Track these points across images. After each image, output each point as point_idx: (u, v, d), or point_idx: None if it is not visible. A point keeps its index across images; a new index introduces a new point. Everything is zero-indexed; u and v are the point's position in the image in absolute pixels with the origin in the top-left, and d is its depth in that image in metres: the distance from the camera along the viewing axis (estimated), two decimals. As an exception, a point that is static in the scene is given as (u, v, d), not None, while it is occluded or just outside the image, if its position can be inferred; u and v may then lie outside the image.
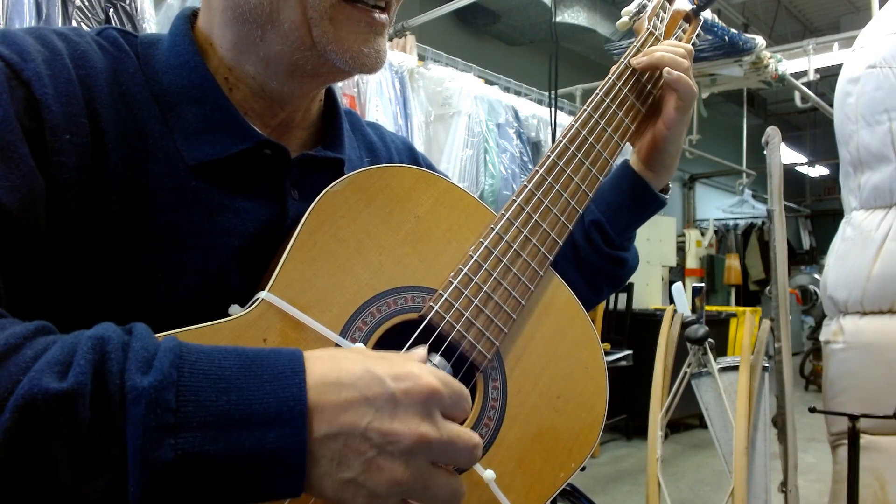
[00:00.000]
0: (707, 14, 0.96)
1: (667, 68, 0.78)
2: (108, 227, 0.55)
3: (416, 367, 0.46)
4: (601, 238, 0.86)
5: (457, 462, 0.47)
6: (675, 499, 2.68)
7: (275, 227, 0.62)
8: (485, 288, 0.63)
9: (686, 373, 2.16)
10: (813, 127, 10.70)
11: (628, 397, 4.51)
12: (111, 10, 2.23)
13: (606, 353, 4.26)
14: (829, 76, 4.15)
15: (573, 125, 0.74)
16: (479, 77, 3.77)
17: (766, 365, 2.08)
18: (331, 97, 0.74)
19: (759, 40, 3.32)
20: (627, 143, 0.82)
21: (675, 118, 0.81)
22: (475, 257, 0.63)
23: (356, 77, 2.91)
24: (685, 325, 2.24)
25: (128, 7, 2.26)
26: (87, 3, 2.18)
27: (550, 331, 0.66)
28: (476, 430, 0.60)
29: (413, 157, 0.85)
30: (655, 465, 2.07)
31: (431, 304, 0.60)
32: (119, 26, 1.85)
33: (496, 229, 0.65)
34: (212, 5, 0.63)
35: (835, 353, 1.98)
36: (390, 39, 3.54)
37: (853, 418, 1.75)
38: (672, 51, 0.80)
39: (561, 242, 0.69)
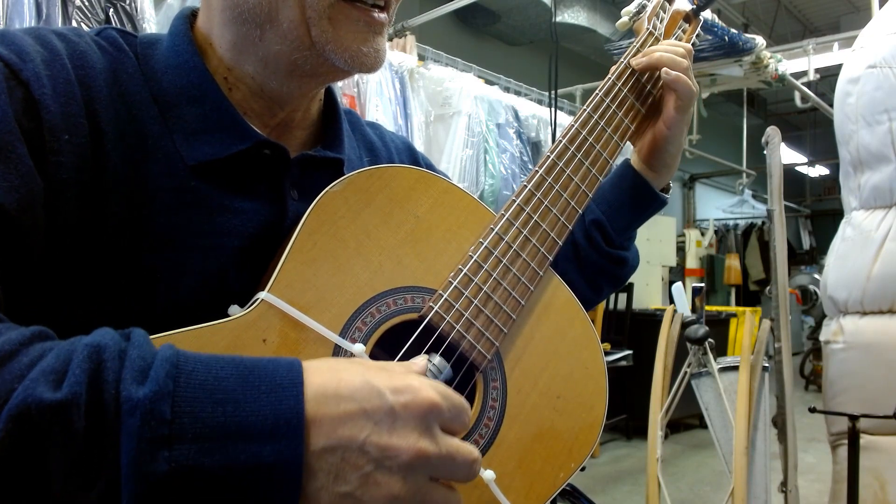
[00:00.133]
0: (707, 14, 0.96)
1: (665, 69, 0.78)
2: (107, 228, 0.54)
3: (416, 380, 0.45)
4: (602, 237, 0.86)
5: (455, 477, 0.46)
6: (675, 499, 2.68)
7: (274, 228, 0.62)
8: (484, 288, 0.63)
9: (686, 373, 2.16)
10: (813, 127, 10.70)
11: (628, 397, 4.51)
12: (111, 10, 2.23)
13: (606, 353, 4.26)
14: (829, 76, 4.15)
15: (573, 125, 0.74)
16: (479, 77, 3.77)
17: (766, 365, 2.08)
18: (330, 97, 0.73)
19: (759, 40, 3.32)
20: (628, 143, 0.82)
21: (674, 118, 0.81)
22: (475, 257, 0.63)
23: (356, 77, 2.92)
24: (685, 325, 2.24)
25: (128, 7, 2.26)
26: (87, 3, 2.18)
27: (550, 331, 0.66)
28: (476, 430, 0.60)
29: (413, 157, 0.85)
30: (655, 465, 2.07)
31: (431, 304, 0.60)
32: (119, 26, 1.85)
33: (496, 230, 0.65)
34: (211, 5, 0.63)
35: (835, 353, 1.98)
36: (390, 39, 3.54)
37: (853, 418, 1.75)
38: (671, 51, 0.80)
39: (561, 242, 0.69)
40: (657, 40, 0.85)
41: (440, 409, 0.45)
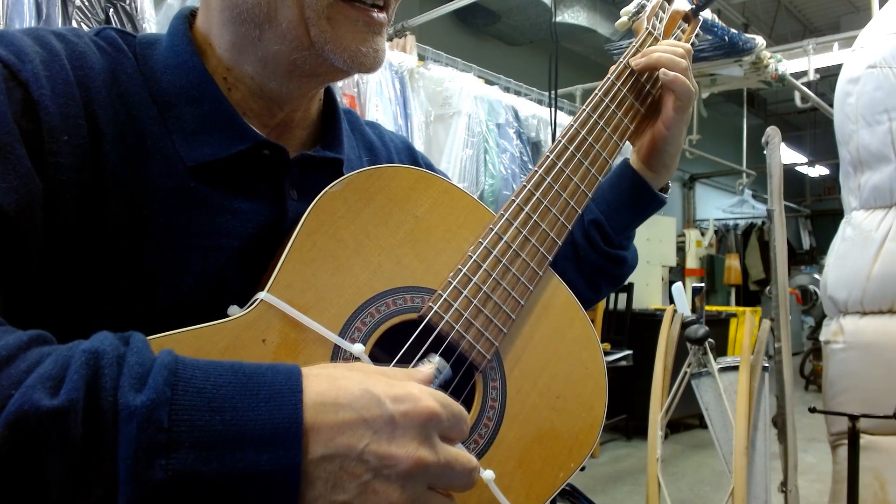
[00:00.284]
0: (707, 14, 0.96)
1: (663, 69, 0.78)
2: (107, 228, 0.54)
3: (416, 389, 0.45)
4: (601, 237, 0.86)
5: (453, 486, 0.46)
6: (675, 499, 2.68)
7: (274, 228, 0.62)
8: (484, 288, 0.63)
9: (686, 373, 2.16)
10: (813, 127, 10.70)
11: (628, 397, 4.51)
12: (111, 10, 2.23)
13: (606, 353, 4.26)
14: (829, 76, 4.15)
15: (572, 125, 0.74)
16: (479, 77, 3.77)
17: (766, 365, 2.08)
18: (330, 97, 0.73)
19: (759, 40, 3.32)
20: (627, 143, 0.82)
21: (673, 118, 0.81)
22: (474, 257, 0.63)
23: (356, 77, 2.92)
24: (685, 325, 2.24)
25: (128, 7, 2.26)
26: (87, 3, 2.18)
27: (550, 331, 0.66)
28: (475, 430, 0.60)
29: (412, 157, 0.85)
30: (655, 465, 2.07)
31: (430, 304, 0.60)
32: (119, 26, 1.85)
33: (495, 229, 0.65)
34: (210, 5, 0.63)
35: (835, 353, 1.98)
36: (390, 39, 3.54)
37: (853, 418, 1.75)
38: (670, 51, 0.80)
39: (560, 242, 0.69)
40: (656, 40, 0.85)
41: (439, 418, 0.45)
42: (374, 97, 3.04)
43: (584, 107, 0.76)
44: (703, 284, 2.77)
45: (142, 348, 0.42)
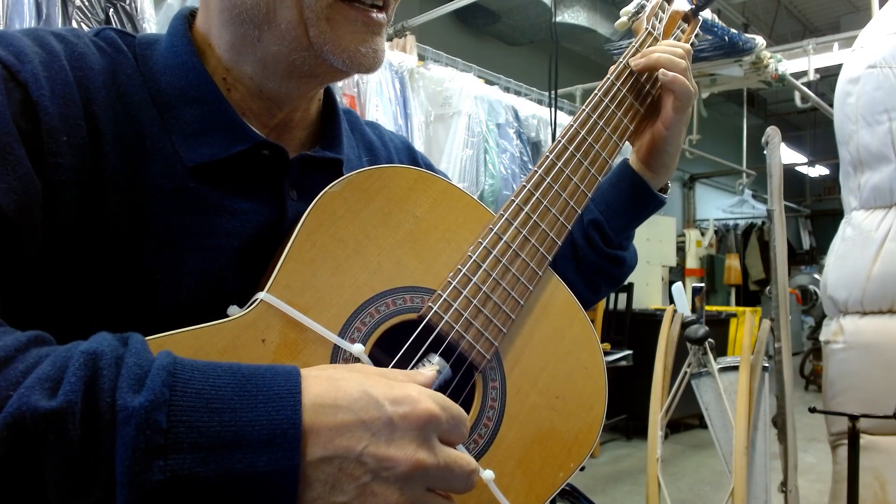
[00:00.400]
0: (707, 14, 0.96)
1: (662, 70, 0.78)
2: (107, 228, 0.54)
3: (415, 391, 0.45)
4: (600, 237, 0.86)
5: (452, 488, 0.46)
6: (675, 499, 2.68)
7: (274, 228, 0.62)
8: (483, 288, 0.63)
9: (686, 373, 2.16)
10: (813, 127, 10.70)
11: (628, 397, 4.51)
12: (111, 10, 2.23)
13: (606, 353, 4.26)
14: (829, 76, 4.15)
15: (572, 125, 0.74)
16: (479, 77, 3.77)
17: (766, 365, 2.08)
18: (329, 97, 0.73)
19: (759, 40, 3.31)
20: (627, 143, 0.82)
21: (673, 118, 0.81)
22: (474, 257, 0.63)
23: (356, 77, 2.92)
24: (685, 325, 2.24)
25: (128, 7, 2.26)
26: (87, 4, 2.18)
27: (549, 331, 0.66)
28: (475, 430, 0.60)
29: (412, 157, 0.85)
30: (655, 465, 2.07)
31: (430, 304, 0.60)
32: (119, 26, 1.85)
33: (495, 230, 0.65)
34: (209, 6, 0.63)
35: (835, 353, 1.98)
36: (390, 39, 3.54)
37: (853, 418, 1.75)
38: (669, 51, 0.80)
39: (560, 242, 0.69)
40: (656, 40, 0.85)
41: (439, 421, 0.45)
42: (374, 97, 3.04)
43: (583, 107, 0.76)
44: (703, 284, 2.77)
45: (140, 349, 0.42)
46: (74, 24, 2.14)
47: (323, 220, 0.58)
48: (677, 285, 2.40)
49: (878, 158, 1.92)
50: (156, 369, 0.40)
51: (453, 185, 0.66)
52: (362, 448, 0.42)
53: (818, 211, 12.02)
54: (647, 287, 5.41)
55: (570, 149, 0.72)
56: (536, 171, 0.70)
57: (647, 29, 0.85)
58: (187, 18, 0.66)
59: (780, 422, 2.03)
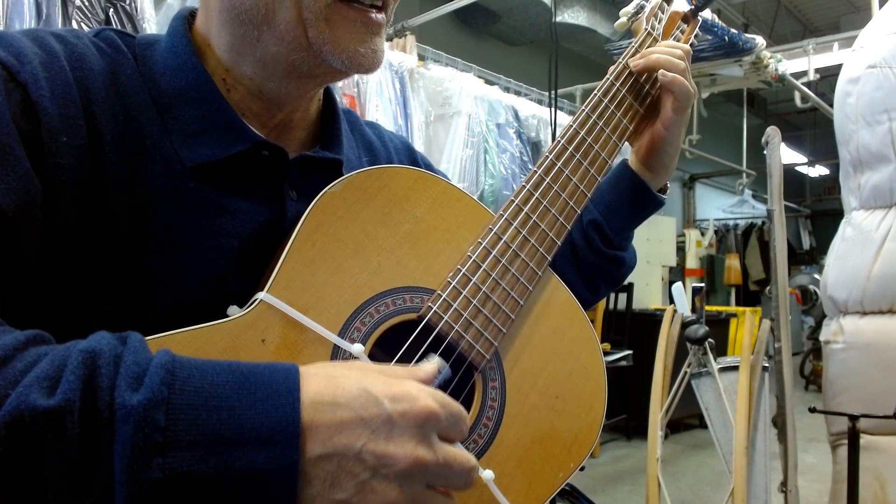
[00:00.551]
0: (707, 14, 0.96)
1: (662, 70, 0.78)
2: (106, 229, 0.55)
3: (415, 388, 0.45)
4: (599, 238, 0.87)
5: (452, 485, 0.46)
6: (675, 499, 2.68)
7: (273, 229, 0.62)
8: (483, 288, 0.63)
9: (686, 373, 2.16)
10: (813, 127, 10.70)
11: (628, 397, 4.51)
12: (111, 10, 2.23)
13: (606, 353, 4.26)
14: (829, 76, 4.15)
15: (571, 126, 0.74)
16: (479, 77, 3.77)
17: (766, 365, 2.08)
18: (329, 97, 0.73)
19: (759, 40, 3.31)
20: (626, 143, 0.82)
21: (672, 119, 0.81)
22: (473, 257, 0.63)
23: (356, 77, 2.92)
24: (685, 325, 2.24)
25: (128, 7, 2.26)
26: (87, 4, 2.18)
27: (549, 331, 0.66)
28: (475, 430, 0.60)
29: (412, 157, 0.85)
30: (655, 465, 2.07)
31: (430, 304, 0.60)
32: (119, 27, 1.85)
33: (494, 230, 0.65)
34: (209, 6, 0.63)
35: (835, 353, 1.98)
36: (390, 39, 3.54)
37: (853, 418, 1.75)
38: (668, 52, 0.80)
39: (559, 242, 0.69)
40: (655, 41, 0.85)
41: (438, 418, 0.45)
42: (374, 97, 3.04)
43: (583, 107, 0.76)
44: (703, 284, 2.77)
45: (139, 348, 0.42)
46: (74, 25, 2.14)
47: (323, 220, 0.58)
48: (677, 285, 2.40)
49: (878, 158, 1.92)
50: (154, 367, 0.40)
51: (453, 186, 0.66)
52: (361, 445, 0.42)
53: (818, 211, 12.02)
54: (647, 287, 5.41)
55: (570, 149, 0.72)
56: (536, 172, 0.70)
57: (646, 29, 0.85)
58: (187, 19, 0.66)
59: (780, 422, 2.03)
